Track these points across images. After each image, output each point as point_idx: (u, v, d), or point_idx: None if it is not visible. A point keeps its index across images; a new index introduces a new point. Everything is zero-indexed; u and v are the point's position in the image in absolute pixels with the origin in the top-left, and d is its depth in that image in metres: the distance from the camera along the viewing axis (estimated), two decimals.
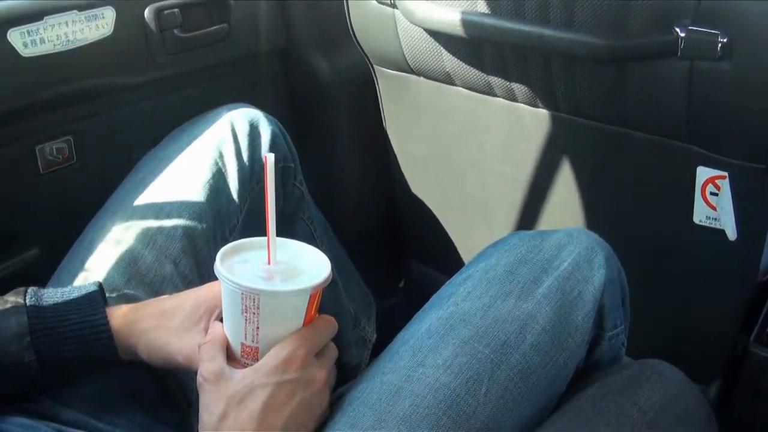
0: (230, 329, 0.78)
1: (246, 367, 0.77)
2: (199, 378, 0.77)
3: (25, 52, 1.10)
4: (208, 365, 0.76)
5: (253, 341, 0.76)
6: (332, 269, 0.78)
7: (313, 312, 0.78)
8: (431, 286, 0.89)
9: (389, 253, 1.63)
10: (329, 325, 0.80)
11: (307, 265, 0.79)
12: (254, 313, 0.74)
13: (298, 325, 0.77)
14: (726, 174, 1.01)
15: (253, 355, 0.77)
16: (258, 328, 0.75)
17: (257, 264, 0.78)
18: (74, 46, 1.15)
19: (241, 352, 0.77)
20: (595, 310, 0.83)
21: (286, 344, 0.76)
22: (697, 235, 1.07)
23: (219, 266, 0.76)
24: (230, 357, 0.78)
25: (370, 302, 1.37)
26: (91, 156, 1.23)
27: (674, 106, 0.99)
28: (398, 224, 1.58)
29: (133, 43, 1.22)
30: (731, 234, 1.03)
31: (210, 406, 0.75)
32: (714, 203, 1.04)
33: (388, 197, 1.55)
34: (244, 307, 0.74)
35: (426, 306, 0.86)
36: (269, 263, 0.78)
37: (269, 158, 0.77)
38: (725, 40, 0.91)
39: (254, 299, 0.74)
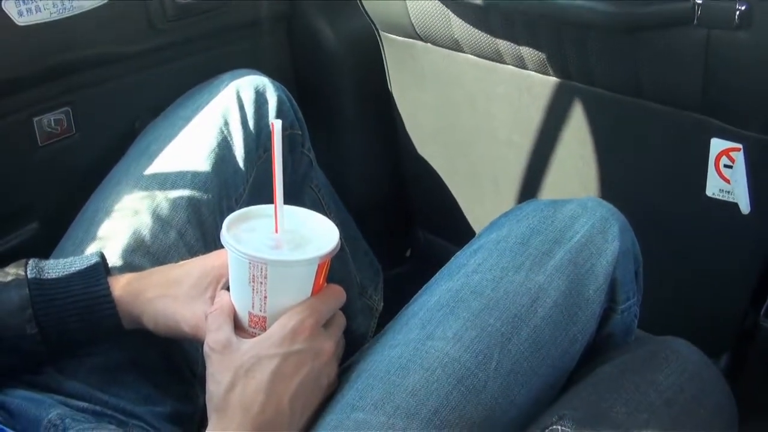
0: (237, 298, 0.77)
1: (254, 336, 0.76)
2: (205, 348, 0.76)
3: (20, 20, 1.08)
4: (215, 335, 0.76)
5: (260, 310, 0.76)
6: (340, 238, 0.77)
7: (321, 281, 0.77)
8: (438, 255, 0.89)
9: (396, 222, 1.63)
10: (337, 294, 0.79)
11: (315, 233, 0.78)
12: (262, 283, 0.74)
13: (306, 294, 0.76)
14: (741, 146, 1.00)
15: (261, 324, 0.76)
16: (266, 297, 0.75)
17: (264, 232, 0.77)
18: (71, 14, 1.12)
19: (249, 321, 0.77)
20: (607, 283, 0.82)
21: (294, 314, 0.75)
22: (709, 208, 1.06)
23: (226, 235, 0.75)
24: (237, 326, 0.77)
25: (377, 271, 1.36)
26: (91, 127, 1.21)
27: (689, 76, 0.98)
28: (405, 192, 1.57)
29: (132, 10, 1.20)
30: (744, 207, 1.02)
31: (217, 376, 0.74)
32: (728, 176, 1.02)
33: (395, 165, 1.54)
34: (251, 277, 0.74)
35: (436, 277, 0.85)
36: (276, 231, 0.77)
37: (276, 124, 0.76)
38: (743, 7, 0.89)
39: (262, 268, 0.73)
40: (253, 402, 0.73)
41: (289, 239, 0.77)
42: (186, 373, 0.96)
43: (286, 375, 0.74)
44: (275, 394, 0.73)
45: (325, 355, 0.76)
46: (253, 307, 0.76)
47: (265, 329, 0.76)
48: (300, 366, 0.74)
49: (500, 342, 0.76)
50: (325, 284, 0.78)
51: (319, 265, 0.75)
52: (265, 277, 0.73)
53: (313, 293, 0.77)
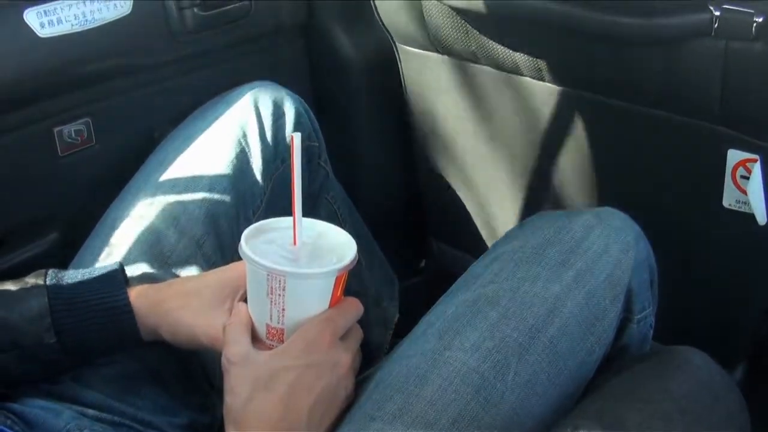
0: (255, 310, 0.77)
1: (271, 348, 0.76)
2: (223, 360, 0.76)
3: (42, 32, 1.09)
4: (233, 347, 0.76)
5: (278, 323, 0.76)
6: (357, 250, 0.77)
7: (338, 294, 0.77)
8: (453, 266, 0.89)
9: (411, 232, 1.62)
10: (355, 307, 0.79)
11: (332, 245, 0.79)
12: (280, 295, 0.74)
13: (323, 306, 0.76)
14: (758, 157, 0.99)
15: (279, 336, 0.76)
16: (284, 309, 0.75)
17: (282, 245, 0.77)
18: (92, 26, 1.13)
19: (267, 333, 0.77)
20: (624, 293, 0.82)
21: (311, 326, 0.75)
22: (725, 219, 1.06)
23: (244, 247, 0.75)
24: (255, 338, 0.77)
25: (393, 281, 1.36)
26: (111, 138, 1.22)
27: (707, 86, 0.98)
28: (420, 203, 1.57)
29: (153, 22, 1.21)
30: (761, 219, 1.01)
31: (236, 388, 0.74)
32: (744, 187, 1.02)
33: (410, 176, 1.54)
34: (269, 289, 0.74)
35: (452, 288, 0.85)
36: (294, 244, 0.77)
37: (296, 138, 0.76)
38: (760, 19, 0.89)
39: (280, 281, 0.73)
40: (272, 414, 0.73)
41: (307, 252, 0.77)
42: (203, 384, 0.96)
43: (304, 387, 0.74)
44: (293, 406, 0.73)
45: (342, 367, 0.76)
46: (271, 319, 0.76)
47: (282, 341, 0.76)
48: (318, 378, 0.74)
49: (518, 352, 0.76)
50: (343, 297, 0.78)
51: (337, 278, 0.75)
52: (284, 290, 0.73)
53: (330, 305, 0.77)
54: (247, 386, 0.74)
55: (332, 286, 0.75)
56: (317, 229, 0.81)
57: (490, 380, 0.74)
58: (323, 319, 0.76)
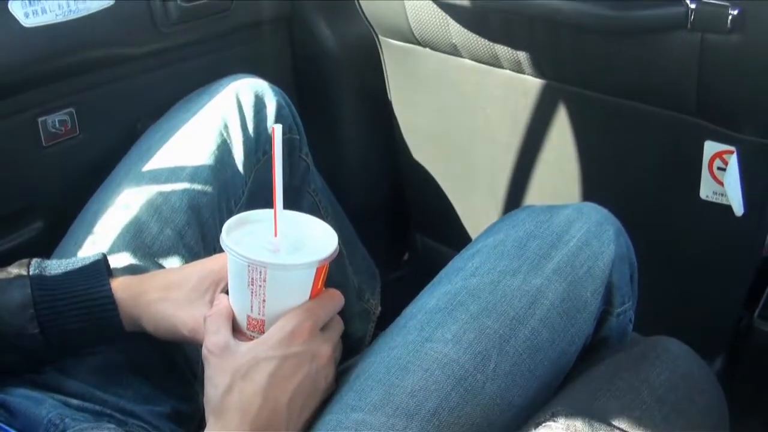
0: (236, 302, 0.78)
1: (252, 339, 0.76)
2: (204, 351, 0.77)
3: (27, 22, 1.09)
4: (213, 338, 0.76)
5: (259, 314, 0.76)
6: (339, 242, 0.78)
7: (319, 286, 0.77)
8: (436, 259, 0.89)
9: (394, 226, 1.63)
10: (335, 298, 0.79)
11: (313, 237, 0.79)
12: (261, 286, 0.74)
13: (304, 298, 0.76)
14: (734, 149, 1.00)
15: (259, 327, 0.76)
16: (264, 300, 0.75)
17: (263, 236, 0.77)
18: (76, 16, 1.13)
19: (247, 324, 0.77)
20: (603, 286, 0.83)
21: (291, 317, 0.75)
22: (703, 211, 1.07)
23: (225, 238, 0.75)
24: (236, 329, 0.78)
25: (375, 275, 1.37)
26: (94, 128, 1.22)
27: (683, 79, 0.98)
28: (403, 197, 1.57)
29: (136, 13, 1.21)
30: (738, 210, 1.03)
31: (215, 378, 0.75)
32: (721, 178, 1.03)
33: (392, 169, 1.54)
34: (250, 280, 0.74)
35: (434, 281, 0.86)
36: (275, 236, 0.77)
37: (277, 129, 0.76)
38: (736, 12, 0.90)
39: (261, 272, 0.73)
40: (251, 405, 0.73)
41: (288, 243, 0.77)
42: (186, 373, 0.97)
43: (284, 377, 0.74)
44: (272, 396, 0.73)
45: (322, 357, 0.76)
46: (251, 310, 0.76)
47: (263, 332, 0.76)
48: (297, 369, 0.75)
49: (498, 344, 0.77)
50: (324, 288, 0.79)
51: (317, 269, 0.75)
52: (264, 281, 0.74)
53: (311, 297, 0.77)
54: (227, 376, 0.74)
55: (313, 278, 0.76)
56: (299, 221, 0.81)
57: (470, 371, 0.75)
58: (304, 310, 0.76)
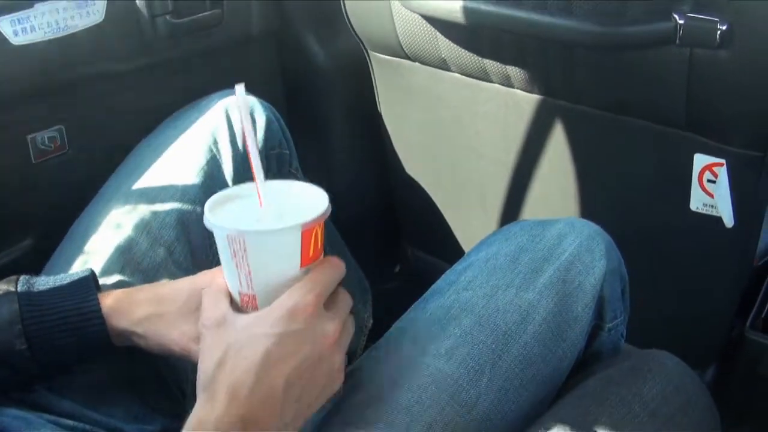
0: (228, 279, 0.73)
1: None
2: (200, 327, 0.72)
3: (15, 40, 1.09)
4: (211, 311, 0.71)
5: (248, 288, 0.70)
6: (330, 206, 0.72)
7: (312, 253, 0.70)
8: (427, 272, 0.89)
9: (385, 238, 1.63)
10: (335, 266, 0.72)
11: (302, 203, 0.73)
12: (242, 257, 0.69)
13: (294, 267, 0.70)
14: (723, 161, 1.01)
15: (252, 303, 0.71)
16: (250, 273, 0.69)
17: (249, 208, 0.73)
18: (65, 34, 1.13)
19: (241, 301, 0.72)
20: (595, 301, 0.83)
21: (292, 292, 0.69)
22: (694, 222, 1.07)
23: (207, 213, 0.71)
24: (235, 309, 0.72)
25: (366, 287, 1.36)
26: (84, 145, 1.22)
27: (673, 93, 0.99)
28: (394, 209, 1.58)
29: (125, 30, 1.21)
30: (728, 221, 1.03)
31: (208, 351, 0.69)
32: (711, 190, 1.04)
33: (383, 182, 1.54)
34: (232, 252, 0.69)
35: (426, 294, 0.86)
36: (261, 205, 0.73)
37: (239, 88, 0.73)
38: (724, 27, 0.91)
39: (240, 242, 0.68)
40: (242, 383, 0.66)
41: (274, 211, 0.73)
42: (176, 392, 0.96)
43: (281, 357, 0.67)
44: (266, 376, 0.67)
45: (327, 337, 0.69)
46: (241, 285, 0.71)
47: (257, 308, 0.71)
48: (297, 348, 0.68)
49: (491, 358, 0.77)
50: (322, 256, 0.73)
51: (303, 233, 0.69)
52: (245, 251, 0.68)
53: (302, 265, 0.70)
54: (220, 350, 0.68)
55: (299, 244, 0.69)
56: (287, 189, 0.77)
57: (464, 386, 0.75)
58: (304, 283, 0.69)
